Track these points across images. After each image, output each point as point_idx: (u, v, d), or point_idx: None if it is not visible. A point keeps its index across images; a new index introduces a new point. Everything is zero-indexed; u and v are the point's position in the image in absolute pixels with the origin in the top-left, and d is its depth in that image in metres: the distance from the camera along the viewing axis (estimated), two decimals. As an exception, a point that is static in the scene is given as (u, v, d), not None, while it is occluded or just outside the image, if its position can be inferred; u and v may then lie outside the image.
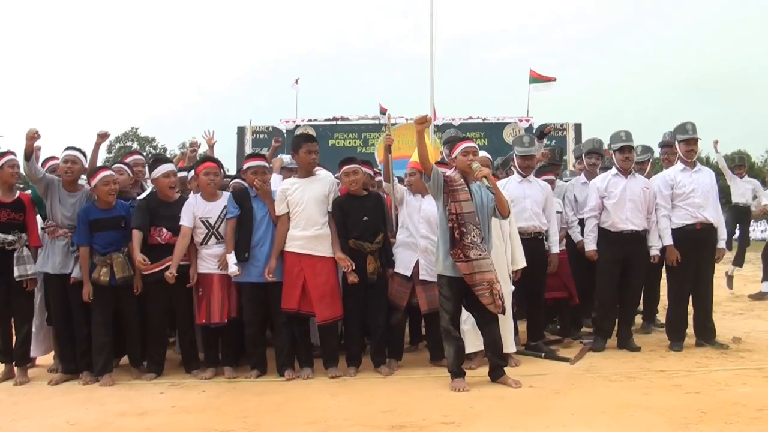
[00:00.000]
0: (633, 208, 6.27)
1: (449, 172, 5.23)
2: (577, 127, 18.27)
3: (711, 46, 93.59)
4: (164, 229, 5.53)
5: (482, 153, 5.72)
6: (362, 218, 5.54)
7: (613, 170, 6.46)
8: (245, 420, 4.36)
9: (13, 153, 5.69)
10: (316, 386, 5.22)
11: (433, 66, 13.18)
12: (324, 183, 5.63)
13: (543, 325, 6.53)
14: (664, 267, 6.82)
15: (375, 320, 5.62)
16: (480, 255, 4.98)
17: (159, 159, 5.91)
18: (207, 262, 5.57)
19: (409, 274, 5.63)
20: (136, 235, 5.44)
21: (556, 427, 4.13)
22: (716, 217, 6.37)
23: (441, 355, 5.76)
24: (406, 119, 18.77)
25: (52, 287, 5.57)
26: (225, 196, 5.68)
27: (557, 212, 6.61)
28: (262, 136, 16.95)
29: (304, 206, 5.47)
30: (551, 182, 6.64)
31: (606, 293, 6.34)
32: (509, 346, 5.59)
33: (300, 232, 5.47)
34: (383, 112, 19.39)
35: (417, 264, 5.64)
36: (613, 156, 6.44)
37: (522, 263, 5.83)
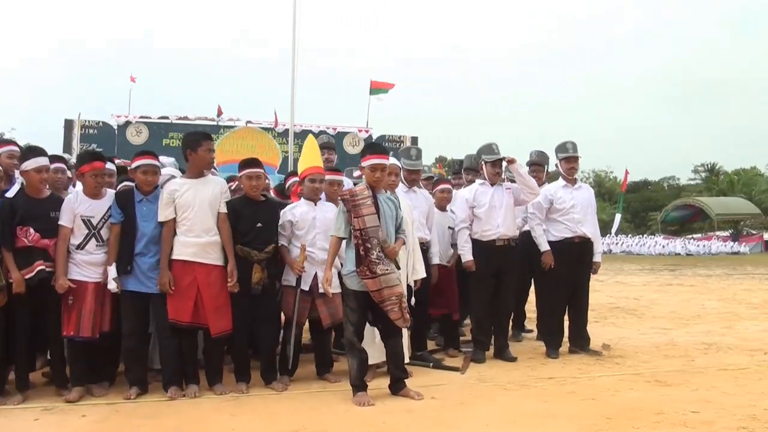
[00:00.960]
0: (504, 215, 6.33)
1: (357, 186, 5.00)
2: (414, 140, 18.70)
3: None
4: (32, 230, 4.74)
5: (392, 160, 5.52)
6: (255, 224, 5.13)
7: (480, 180, 6.52)
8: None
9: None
10: (209, 405, 4.70)
11: (294, 75, 12.90)
12: (216, 184, 5.14)
13: (426, 334, 6.43)
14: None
15: (263, 335, 5.20)
16: (386, 270, 4.78)
17: (32, 150, 5.03)
18: (82, 269, 4.85)
19: (307, 288, 5.28)
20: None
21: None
22: (593, 231, 6.62)
23: (328, 369, 5.51)
24: (245, 122, 18.21)
25: None
26: (111, 195, 5.01)
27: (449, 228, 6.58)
28: (91, 131, 15.75)
29: (197, 210, 4.96)
30: (448, 191, 6.70)
31: (480, 306, 6.35)
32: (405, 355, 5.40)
33: (192, 239, 4.95)
34: (220, 114, 18.79)
35: (315, 277, 5.31)
36: (484, 168, 6.46)
37: (422, 273, 5.70)
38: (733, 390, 5.23)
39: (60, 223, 4.80)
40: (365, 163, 4.90)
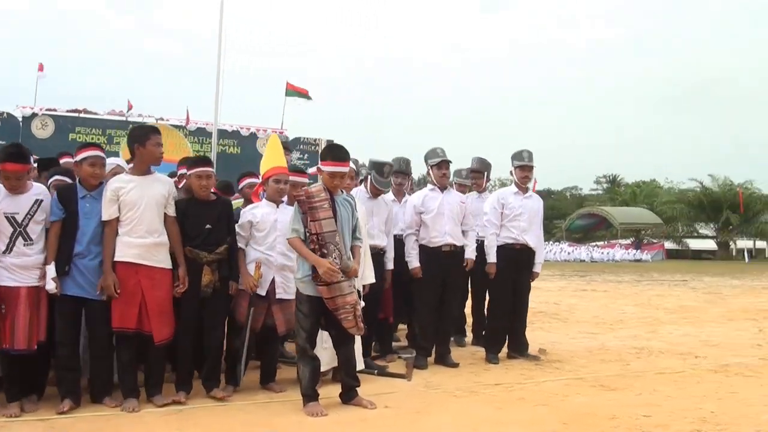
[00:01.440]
0: (451, 222, 6.27)
1: (313, 187, 4.76)
2: (330, 143, 18.50)
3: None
4: None
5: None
6: (204, 226, 4.84)
7: (429, 186, 6.45)
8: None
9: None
10: (153, 420, 4.34)
11: (220, 73, 12.47)
12: (164, 183, 4.82)
13: (372, 341, 6.27)
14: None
15: (210, 340, 4.89)
16: (340, 277, 4.57)
17: None
18: (13, 273, 4.39)
19: (264, 293, 5.02)
20: None
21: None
22: (536, 242, 6.63)
23: (273, 378, 5.26)
24: (156, 119, 17.55)
25: None
26: (35, 188, 4.55)
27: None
28: (-6, 122, 14.80)
29: (143, 210, 4.62)
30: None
31: (426, 312, 6.24)
32: (359, 363, 5.22)
33: (137, 240, 4.60)
34: (130, 108, 18.02)
35: (273, 282, 5.08)
36: (431, 171, 6.39)
37: (371, 279, 5.53)
38: (675, 393, 5.32)
39: None
40: (325, 168, 4.67)
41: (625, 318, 10.45)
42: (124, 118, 16.69)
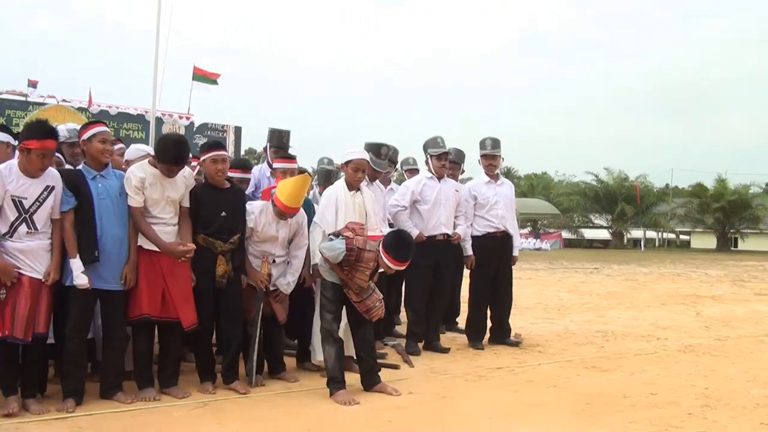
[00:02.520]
0: (447, 212, 6.37)
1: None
2: (237, 130, 18.09)
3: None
4: None
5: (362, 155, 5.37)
6: (220, 214, 4.71)
7: (427, 174, 6.49)
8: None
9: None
10: (182, 414, 4.21)
11: (157, 57, 12.03)
12: (185, 177, 4.68)
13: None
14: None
15: (228, 331, 4.79)
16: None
17: None
18: (15, 259, 4.08)
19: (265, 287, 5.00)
20: None
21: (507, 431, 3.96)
22: (514, 226, 6.85)
23: (283, 367, 5.22)
24: (58, 101, 16.64)
25: None
26: (49, 173, 4.21)
27: None
28: None
29: (162, 206, 4.53)
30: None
31: (419, 299, 6.34)
32: (349, 350, 5.20)
33: (158, 228, 4.48)
34: (33, 85, 16.96)
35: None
36: (430, 161, 6.45)
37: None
38: (662, 373, 5.66)
39: None
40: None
41: (568, 304, 10.90)
42: (24, 98, 15.70)
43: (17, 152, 4.27)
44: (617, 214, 41.67)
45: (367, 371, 4.82)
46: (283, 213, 4.85)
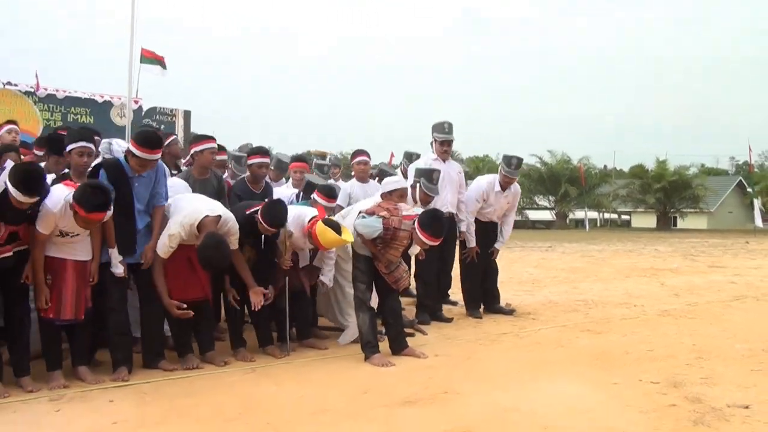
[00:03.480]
0: (452, 192, 6.78)
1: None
2: (187, 114, 17.96)
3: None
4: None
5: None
6: None
7: (432, 156, 6.88)
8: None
9: None
10: (240, 378, 4.58)
11: (133, 42, 12.00)
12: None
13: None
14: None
15: (275, 303, 5.20)
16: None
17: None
18: (59, 246, 4.34)
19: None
20: None
21: (536, 383, 4.42)
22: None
23: (309, 334, 5.57)
24: (3, 84, 16.25)
25: None
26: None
27: None
28: None
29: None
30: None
31: (430, 273, 6.75)
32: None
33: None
34: (-27, 69, 16.58)
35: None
36: (434, 144, 6.86)
37: None
38: (650, 333, 6.22)
39: (38, 229, 4.19)
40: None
41: (539, 278, 11.46)
42: None
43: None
44: (561, 195, 42.82)
45: (396, 337, 5.20)
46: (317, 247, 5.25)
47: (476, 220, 7.15)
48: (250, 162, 5.85)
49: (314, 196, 5.68)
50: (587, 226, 38.91)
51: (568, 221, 46.86)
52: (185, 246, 4.69)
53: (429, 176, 6.10)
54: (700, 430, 3.52)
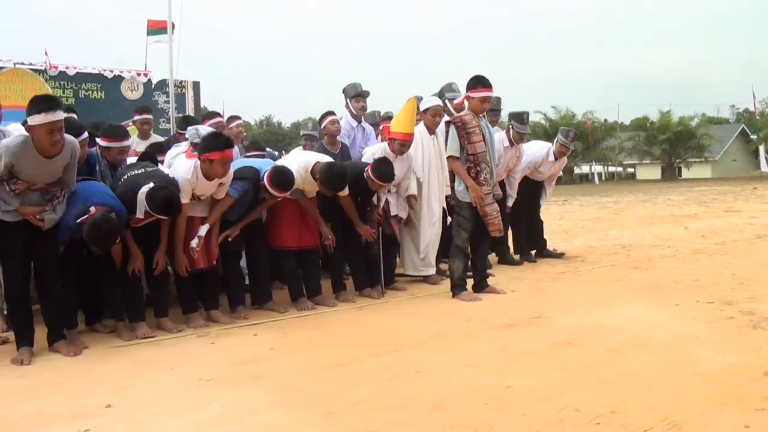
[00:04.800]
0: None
1: (463, 114, 5.76)
2: (196, 85, 18.35)
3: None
4: None
5: (436, 100, 6.48)
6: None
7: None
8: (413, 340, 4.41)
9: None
10: (349, 315, 5.35)
11: (171, 17, 12.48)
12: None
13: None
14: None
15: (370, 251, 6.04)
16: (489, 190, 5.76)
17: None
18: (190, 207, 5.07)
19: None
20: None
21: (610, 307, 5.20)
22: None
23: (393, 280, 6.37)
24: (14, 64, 16.66)
25: None
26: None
27: None
28: None
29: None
30: None
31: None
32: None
33: None
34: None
35: (387, 201, 6.13)
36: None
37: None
38: (692, 267, 7.01)
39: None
40: (476, 95, 5.70)
41: (568, 228, 12.21)
42: None
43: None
44: (567, 150, 43.48)
45: (480, 279, 5.96)
46: (403, 143, 5.92)
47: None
48: (323, 124, 6.66)
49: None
50: (596, 180, 39.58)
51: (573, 176, 47.54)
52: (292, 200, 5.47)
53: (519, 118, 7.29)
54: (759, 333, 4.29)
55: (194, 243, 5.04)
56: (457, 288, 5.79)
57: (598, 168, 44.14)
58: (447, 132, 5.86)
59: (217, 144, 4.88)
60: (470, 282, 5.93)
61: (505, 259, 7.66)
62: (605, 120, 52.60)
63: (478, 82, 5.73)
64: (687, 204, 17.60)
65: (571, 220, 14.05)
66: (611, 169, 50.72)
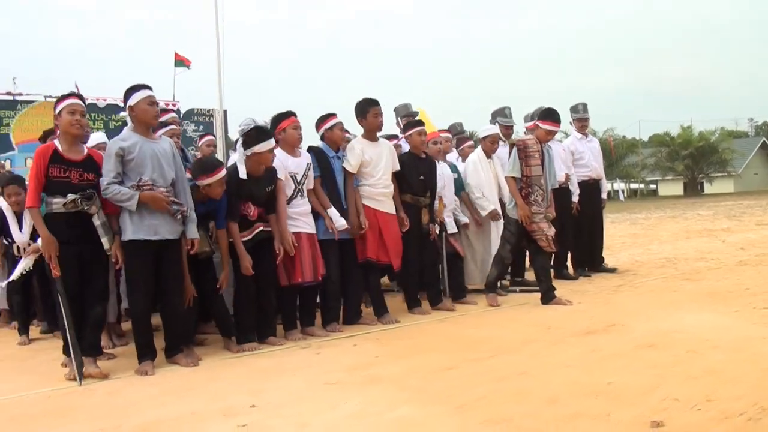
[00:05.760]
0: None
1: (527, 138, 6.34)
2: (224, 113, 18.85)
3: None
4: (251, 205, 5.34)
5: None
6: (419, 177, 6.32)
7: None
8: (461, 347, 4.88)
9: (76, 96, 4.78)
10: (392, 333, 5.73)
11: (220, 52, 13.04)
12: (389, 146, 6.26)
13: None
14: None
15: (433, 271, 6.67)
16: (538, 211, 6.34)
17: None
18: (294, 221, 5.53)
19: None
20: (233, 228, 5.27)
21: (676, 315, 5.65)
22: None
23: (464, 294, 6.86)
24: (45, 97, 17.00)
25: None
26: (304, 153, 5.79)
27: None
28: None
29: (383, 168, 6.03)
30: None
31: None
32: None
33: (378, 190, 6.01)
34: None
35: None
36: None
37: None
38: (740, 278, 7.46)
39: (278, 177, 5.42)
40: (544, 126, 6.32)
41: (609, 244, 12.47)
42: (11, 98, 15.83)
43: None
44: (590, 168, 43.83)
45: (546, 291, 6.44)
46: (436, 146, 6.69)
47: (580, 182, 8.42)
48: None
49: None
50: (621, 197, 39.89)
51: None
52: (376, 214, 5.94)
53: (501, 113, 7.96)
54: (821, 335, 4.74)
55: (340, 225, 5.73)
56: (488, 287, 6.56)
57: (621, 185, 44.43)
58: (510, 153, 6.47)
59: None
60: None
61: (561, 274, 8.12)
62: (624, 136, 53.09)
63: (550, 116, 6.31)
64: (717, 218, 17.97)
65: (608, 237, 14.22)
66: (633, 185, 50.98)
